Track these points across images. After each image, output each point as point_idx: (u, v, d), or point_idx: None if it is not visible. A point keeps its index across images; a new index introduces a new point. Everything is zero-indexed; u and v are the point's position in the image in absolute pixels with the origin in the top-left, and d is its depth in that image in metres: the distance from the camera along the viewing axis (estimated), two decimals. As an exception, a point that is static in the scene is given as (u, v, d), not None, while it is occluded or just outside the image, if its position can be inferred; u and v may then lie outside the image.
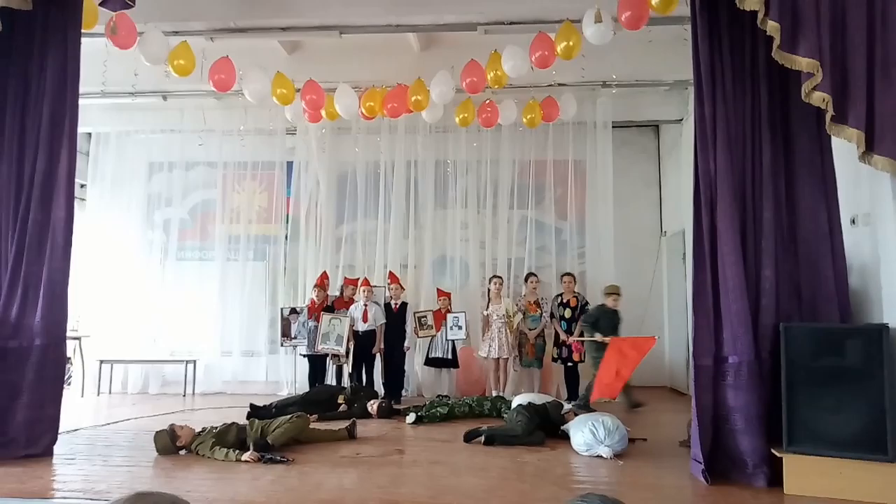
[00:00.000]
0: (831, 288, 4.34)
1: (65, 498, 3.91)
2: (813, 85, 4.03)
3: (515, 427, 5.53)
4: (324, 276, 8.73)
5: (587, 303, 8.17)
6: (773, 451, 4.07)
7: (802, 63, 4.05)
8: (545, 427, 5.59)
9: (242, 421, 5.60)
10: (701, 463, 4.22)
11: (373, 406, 6.86)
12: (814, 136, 4.45)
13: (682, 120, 8.95)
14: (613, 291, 7.37)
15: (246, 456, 4.80)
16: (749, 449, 4.16)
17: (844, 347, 4.05)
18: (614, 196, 9.00)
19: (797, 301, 4.41)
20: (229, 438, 5.10)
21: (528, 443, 5.38)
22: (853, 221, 4.61)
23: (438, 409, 6.73)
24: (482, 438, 5.44)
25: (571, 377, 7.93)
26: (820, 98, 4.03)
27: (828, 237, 4.38)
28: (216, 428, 5.20)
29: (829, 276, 4.35)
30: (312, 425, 5.70)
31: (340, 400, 7.01)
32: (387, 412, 6.84)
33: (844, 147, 4.29)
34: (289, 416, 5.44)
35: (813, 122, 4.40)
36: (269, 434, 5.14)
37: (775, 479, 4.04)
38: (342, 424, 5.84)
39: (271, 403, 6.91)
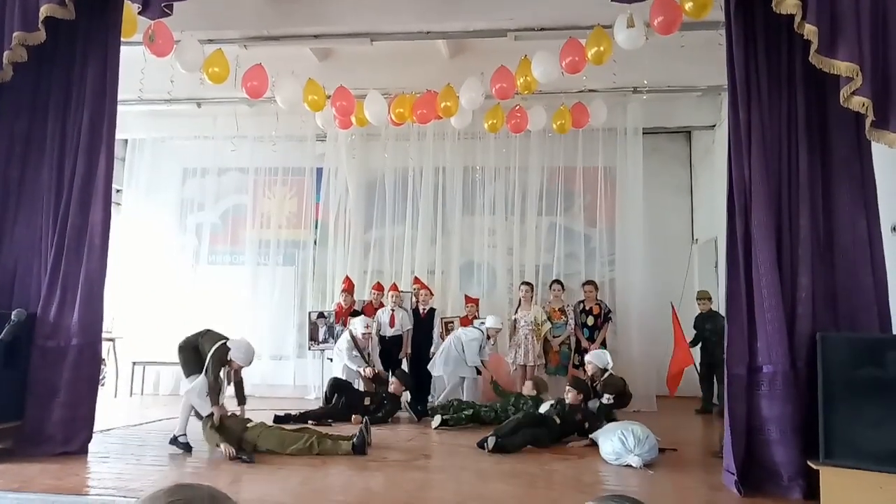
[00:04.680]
0: (870, 297, 4.22)
1: (99, 495, 3.98)
2: (852, 89, 3.94)
3: (517, 415, 5.53)
4: (348, 280, 8.76)
5: (610, 310, 8.09)
6: (809, 463, 3.97)
7: (841, 67, 3.97)
8: (568, 427, 5.62)
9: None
10: (734, 474, 4.12)
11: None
12: (853, 142, 4.34)
13: (714, 126, 8.82)
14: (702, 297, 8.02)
15: (223, 445, 4.92)
16: (784, 460, 4.06)
17: (885, 358, 3.92)
18: (644, 203, 8.90)
19: (834, 310, 4.30)
20: (229, 424, 5.20)
21: (534, 436, 5.42)
22: (894, 229, 4.49)
23: (464, 411, 6.71)
24: (490, 443, 5.27)
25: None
26: (859, 103, 3.94)
27: (867, 245, 4.26)
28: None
29: (869, 284, 4.23)
30: (337, 430, 5.67)
31: (367, 402, 7.01)
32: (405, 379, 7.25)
33: (885, 153, 4.18)
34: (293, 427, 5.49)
35: (852, 127, 4.30)
36: (254, 437, 5.17)
37: (811, 492, 3.92)
38: (383, 426, 5.80)
39: (294, 412, 6.79)
